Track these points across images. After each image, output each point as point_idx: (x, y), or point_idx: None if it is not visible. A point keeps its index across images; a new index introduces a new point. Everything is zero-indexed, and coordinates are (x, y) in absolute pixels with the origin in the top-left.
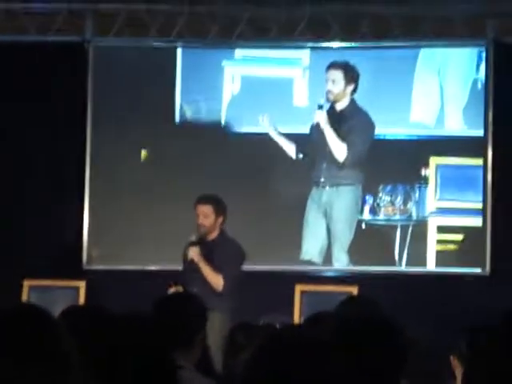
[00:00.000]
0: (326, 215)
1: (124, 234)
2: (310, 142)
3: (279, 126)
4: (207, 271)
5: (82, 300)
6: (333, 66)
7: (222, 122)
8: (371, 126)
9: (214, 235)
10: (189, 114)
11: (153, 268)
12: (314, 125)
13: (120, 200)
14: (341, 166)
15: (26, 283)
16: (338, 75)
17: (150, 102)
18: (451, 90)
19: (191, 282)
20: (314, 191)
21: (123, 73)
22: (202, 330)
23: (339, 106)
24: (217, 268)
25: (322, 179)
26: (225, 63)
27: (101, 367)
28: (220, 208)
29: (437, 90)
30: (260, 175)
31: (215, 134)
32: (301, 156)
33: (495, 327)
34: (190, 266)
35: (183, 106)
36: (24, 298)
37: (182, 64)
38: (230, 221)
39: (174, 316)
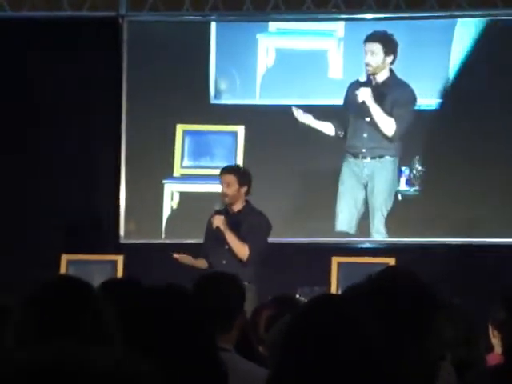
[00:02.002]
0: (367, 188)
1: (160, 208)
2: (349, 115)
3: (314, 99)
4: (233, 240)
5: (119, 274)
6: (371, 37)
7: (257, 95)
8: (414, 96)
9: (239, 206)
10: (223, 87)
11: (189, 241)
12: (349, 94)
13: (156, 174)
14: (385, 138)
15: (64, 257)
16: (376, 47)
17: (185, 75)
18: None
19: (219, 255)
20: (353, 162)
21: (157, 47)
22: (240, 312)
23: (379, 78)
24: (243, 238)
25: (363, 150)
26: (259, 36)
27: (140, 340)
28: (243, 178)
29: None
30: (293, 148)
31: (249, 107)
32: (341, 133)
33: None
34: (216, 237)
35: (217, 80)
36: (62, 272)
37: (216, 37)
38: (265, 194)
39: (212, 298)
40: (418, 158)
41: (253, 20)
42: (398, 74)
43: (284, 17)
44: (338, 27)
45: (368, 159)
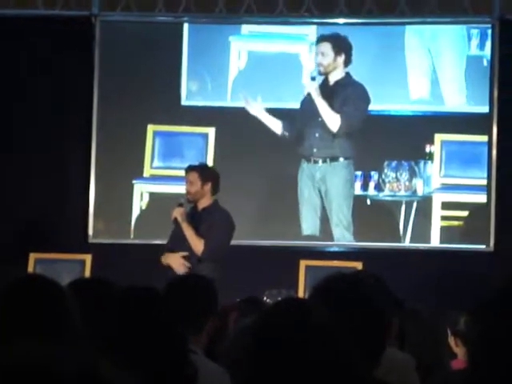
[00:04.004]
0: (321, 192)
1: (130, 208)
2: (301, 115)
3: (285, 102)
4: (189, 233)
5: (87, 273)
6: (321, 38)
7: (228, 97)
8: (366, 97)
9: (204, 204)
10: (195, 89)
11: (158, 242)
12: (306, 96)
13: (126, 174)
14: (334, 137)
15: (32, 256)
16: (326, 47)
17: (156, 77)
18: (445, 66)
19: (180, 250)
20: (306, 168)
21: (130, 48)
22: (212, 315)
23: (332, 79)
24: (201, 234)
25: (315, 150)
26: (231, 39)
27: (109, 340)
28: (206, 175)
29: (430, 67)
30: (263, 151)
31: (220, 109)
32: (286, 134)
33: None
34: (179, 234)
35: (189, 81)
36: (30, 271)
37: (188, 39)
38: (234, 196)
39: (183, 300)
40: (386, 163)
41: (225, 22)
42: (369, 79)
43: (256, 20)
44: (310, 31)
45: (320, 163)
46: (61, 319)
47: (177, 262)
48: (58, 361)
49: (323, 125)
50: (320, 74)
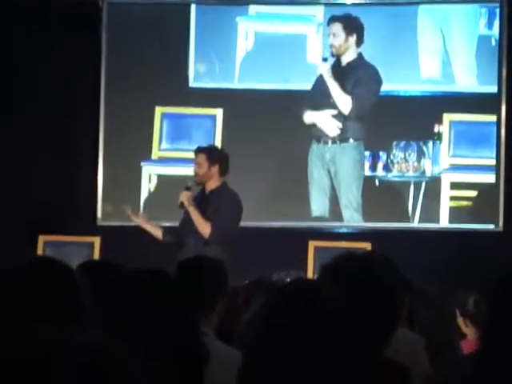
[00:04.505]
0: (330, 173)
1: (138, 190)
2: (313, 96)
3: (292, 83)
4: (196, 217)
5: (96, 256)
6: (332, 19)
7: (235, 79)
8: (378, 79)
9: (213, 186)
10: (202, 71)
11: (166, 224)
12: (318, 77)
13: (134, 156)
14: (345, 118)
15: (41, 239)
16: (337, 27)
17: (164, 58)
18: (456, 46)
19: (188, 234)
20: (316, 149)
21: (137, 30)
22: (222, 297)
23: (345, 59)
24: (208, 217)
25: (325, 132)
26: (239, 19)
27: (119, 323)
28: (214, 156)
29: (441, 46)
30: (271, 132)
31: (228, 91)
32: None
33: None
34: (187, 218)
35: (197, 63)
36: (39, 253)
37: (195, 20)
38: (243, 178)
39: (194, 282)
40: (395, 143)
41: (233, 3)
42: (377, 60)
43: (264, 0)
44: (318, 12)
45: (329, 144)
46: (71, 301)
47: (145, 225)
48: (63, 346)
49: (335, 106)
50: (332, 55)
